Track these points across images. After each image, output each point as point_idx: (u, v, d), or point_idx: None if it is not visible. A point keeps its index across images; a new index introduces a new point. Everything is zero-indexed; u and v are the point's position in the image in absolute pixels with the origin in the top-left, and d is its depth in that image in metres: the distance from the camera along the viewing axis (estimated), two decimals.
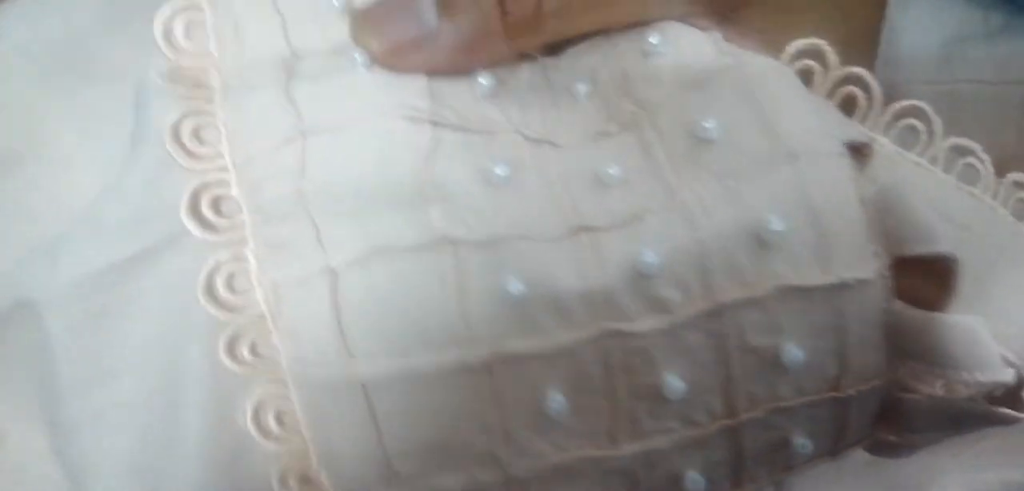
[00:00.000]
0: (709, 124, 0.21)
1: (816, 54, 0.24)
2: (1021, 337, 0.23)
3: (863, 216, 0.21)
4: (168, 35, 0.22)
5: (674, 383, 0.21)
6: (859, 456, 0.25)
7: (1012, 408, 0.23)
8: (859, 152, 0.22)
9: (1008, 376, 0.22)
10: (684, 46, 0.23)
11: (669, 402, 0.21)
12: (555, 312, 0.20)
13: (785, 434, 0.22)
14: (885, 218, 0.22)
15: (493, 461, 0.21)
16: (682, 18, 0.23)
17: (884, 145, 0.24)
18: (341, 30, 0.22)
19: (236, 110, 0.22)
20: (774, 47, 0.24)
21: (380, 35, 0.22)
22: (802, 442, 0.23)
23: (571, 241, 0.21)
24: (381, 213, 0.21)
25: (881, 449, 0.24)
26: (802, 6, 0.24)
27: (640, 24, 0.23)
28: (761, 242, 0.21)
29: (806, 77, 0.24)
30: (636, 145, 0.22)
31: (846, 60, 0.24)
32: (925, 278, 0.22)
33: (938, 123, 0.24)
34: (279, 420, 0.21)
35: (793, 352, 0.21)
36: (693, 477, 0.22)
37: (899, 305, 0.22)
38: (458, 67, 0.22)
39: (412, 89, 0.22)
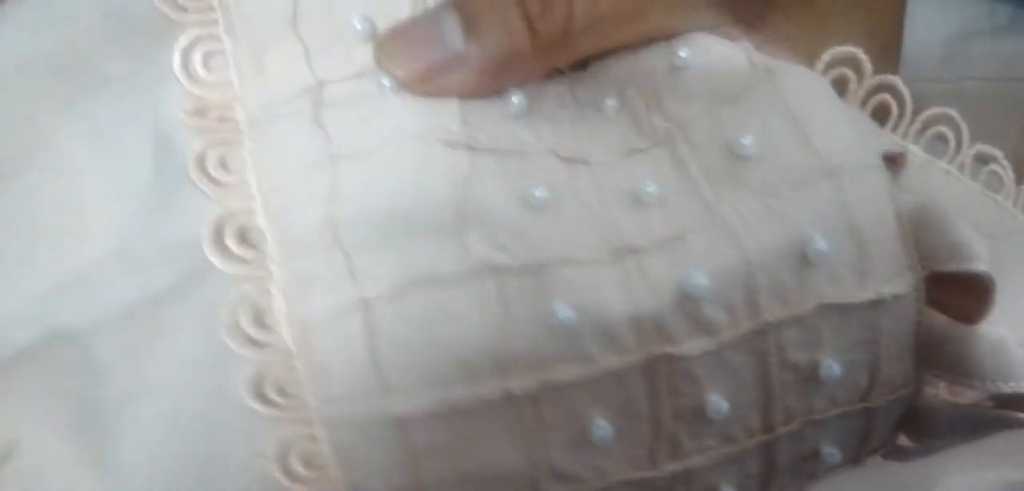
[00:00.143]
0: (746, 140, 0.21)
1: (851, 61, 0.23)
2: None
3: (899, 230, 0.21)
4: (187, 66, 0.22)
5: (718, 403, 0.21)
6: None
7: None
8: (893, 162, 0.22)
9: None
10: (714, 58, 0.22)
11: (711, 422, 0.21)
12: (603, 338, 0.20)
13: (816, 445, 0.23)
14: (924, 233, 0.21)
15: None
16: (710, 29, 0.23)
17: (916, 154, 0.24)
18: (365, 54, 0.22)
19: (262, 138, 0.21)
20: (803, 53, 0.23)
21: (405, 61, 0.21)
22: (831, 452, 0.23)
23: (616, 263, 0.20)
24: (417, 241, 0.20)
25: (896, 453, 0.24)
26: (826, 10, 0.24)
27: (667, 36, 0.22)
28: (805, 260, 0.21)
29: (840, 85, 0.24)
30: (669, 161, 0.22)
31: (874, 65, 0.24)
32: (961, 292, 0.22)
33: (965, 130, 0.24)
34: (307, 462, 0.20)
35: (831, 366, 0.21)
36: None
37: (931, 316, 0.22)
38: (487, 89, 0.22)
39: (444, 111, 0.21)
